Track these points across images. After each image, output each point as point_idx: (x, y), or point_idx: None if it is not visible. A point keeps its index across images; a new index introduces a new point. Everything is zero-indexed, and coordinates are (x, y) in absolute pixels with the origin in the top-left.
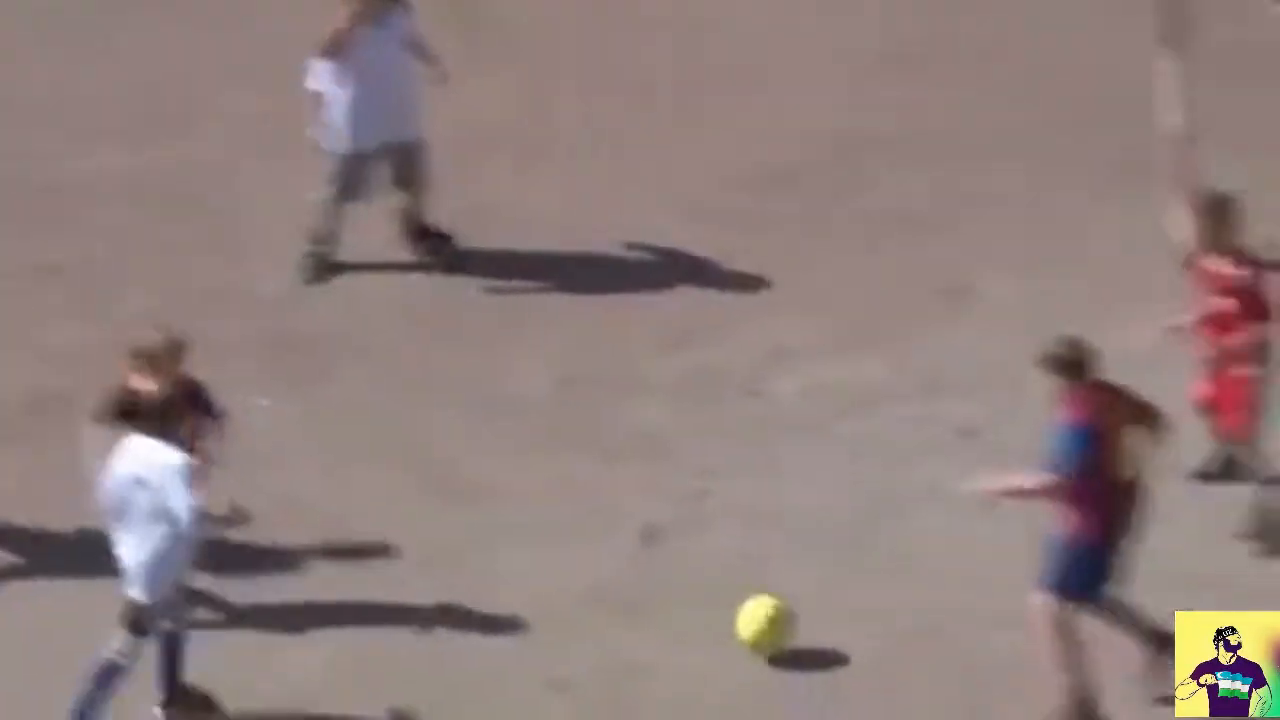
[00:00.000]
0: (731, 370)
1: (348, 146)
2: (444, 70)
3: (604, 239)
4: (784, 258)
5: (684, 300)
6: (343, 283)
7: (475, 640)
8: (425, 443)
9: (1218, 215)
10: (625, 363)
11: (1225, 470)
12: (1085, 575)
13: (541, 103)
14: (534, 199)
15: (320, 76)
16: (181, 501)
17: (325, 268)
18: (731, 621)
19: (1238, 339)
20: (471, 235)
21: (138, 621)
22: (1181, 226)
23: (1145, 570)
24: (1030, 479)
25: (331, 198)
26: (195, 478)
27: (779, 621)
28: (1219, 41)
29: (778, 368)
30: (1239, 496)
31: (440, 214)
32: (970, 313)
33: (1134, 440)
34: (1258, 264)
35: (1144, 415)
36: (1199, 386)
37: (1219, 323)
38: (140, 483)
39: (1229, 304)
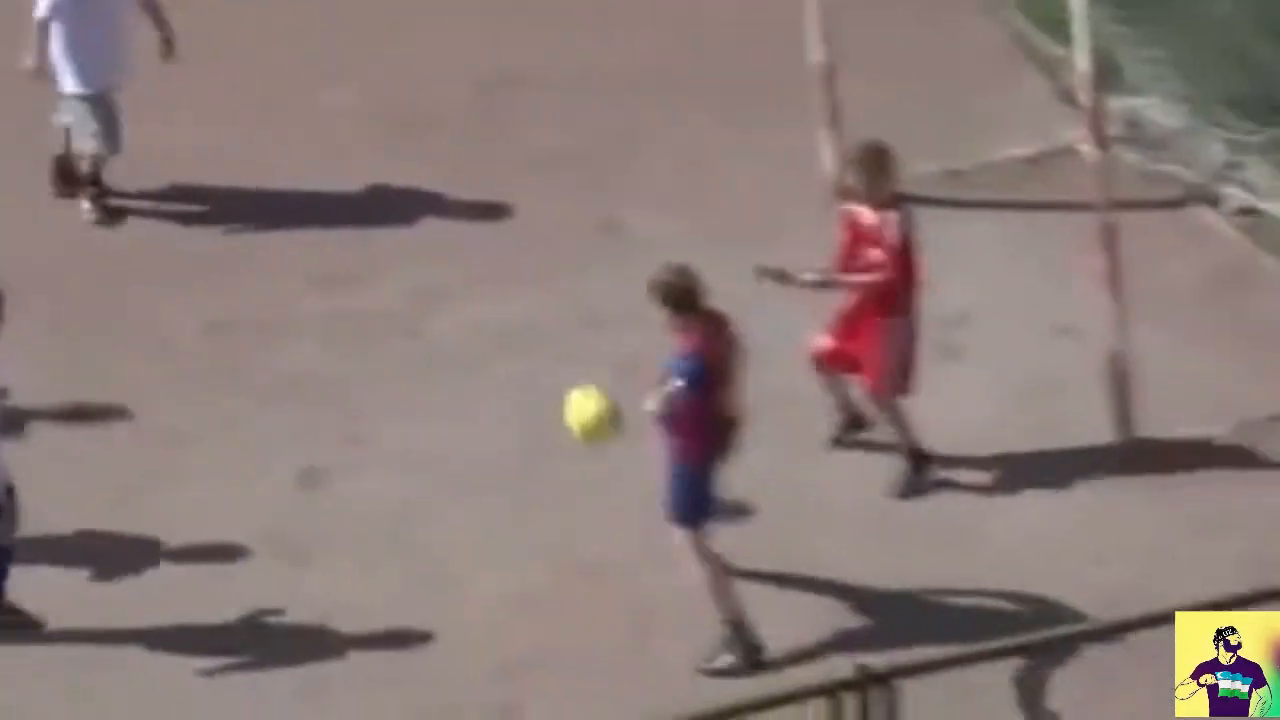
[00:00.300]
0: (386, 311)
1: (87, 88)
2: (170, 35)
3: (254, 182)
4: (437, 197)
5: (336, 242)
6: None
7: (136, 584)
8: (83, 386)
9: (873, 167)
10: (277, 305)
11: (852, 432)
12: (701, 500)
13: (189, 48)
14: (181, 144)
15: (45, 6)
16: None
17: (112, 212)
18: (393, 565)
19: (876, 288)
20: (122, 180)
21: None
22: (828, 159)
23: (787, 503)
24: (655, 405)
25: (100, 144)
26: None
27: (605, 418)
28: None
29: (433, 308)
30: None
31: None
32: (622, 248)
33: (733, 373)
34: (907, 214)
35: (735, 351)
36: (822, 340)
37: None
38: None
39: (877, 255)
